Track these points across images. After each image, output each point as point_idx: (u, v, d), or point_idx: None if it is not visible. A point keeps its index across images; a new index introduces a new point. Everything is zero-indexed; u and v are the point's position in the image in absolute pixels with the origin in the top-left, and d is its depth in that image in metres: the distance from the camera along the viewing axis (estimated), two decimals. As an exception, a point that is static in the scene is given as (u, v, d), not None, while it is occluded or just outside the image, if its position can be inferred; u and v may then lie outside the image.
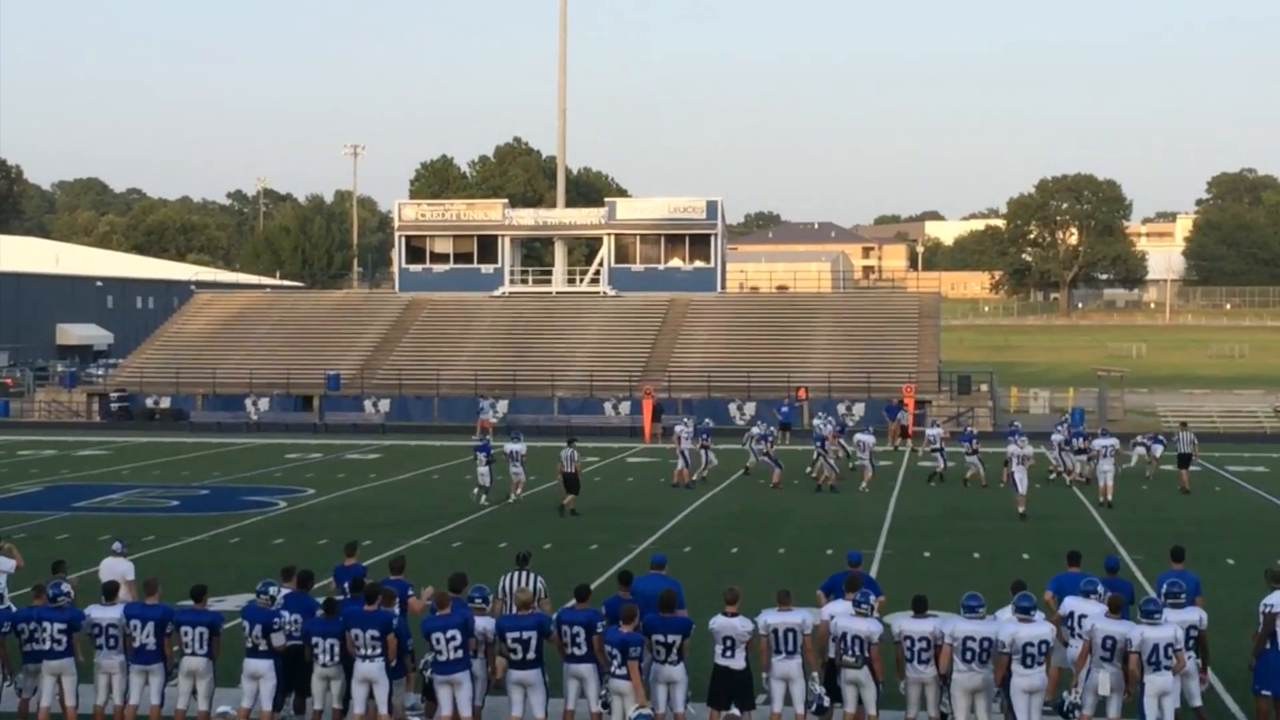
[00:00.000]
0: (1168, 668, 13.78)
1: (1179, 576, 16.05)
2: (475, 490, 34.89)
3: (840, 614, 14.64)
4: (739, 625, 14.64)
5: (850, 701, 14.51)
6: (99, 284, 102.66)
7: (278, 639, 14.59)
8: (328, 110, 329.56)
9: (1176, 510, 33.71)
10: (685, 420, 41.99)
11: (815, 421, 44.95)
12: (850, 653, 14.36)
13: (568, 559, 25.89)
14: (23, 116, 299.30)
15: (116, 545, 18.87)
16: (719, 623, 14.75)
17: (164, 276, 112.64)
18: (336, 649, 14.46)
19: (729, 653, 14.68)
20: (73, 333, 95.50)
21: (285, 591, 15.36)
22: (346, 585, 15.98)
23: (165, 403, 65.04)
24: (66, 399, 67.49)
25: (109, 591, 15.28)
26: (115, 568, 18.10)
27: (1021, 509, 32.08)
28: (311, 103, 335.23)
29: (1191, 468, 38.21)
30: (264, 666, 14.57)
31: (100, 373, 75.61)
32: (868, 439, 39.31)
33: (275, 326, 72.22)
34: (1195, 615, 14.59)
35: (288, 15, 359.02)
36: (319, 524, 31.36)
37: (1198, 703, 14.56)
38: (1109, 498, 34.18)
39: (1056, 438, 39.33)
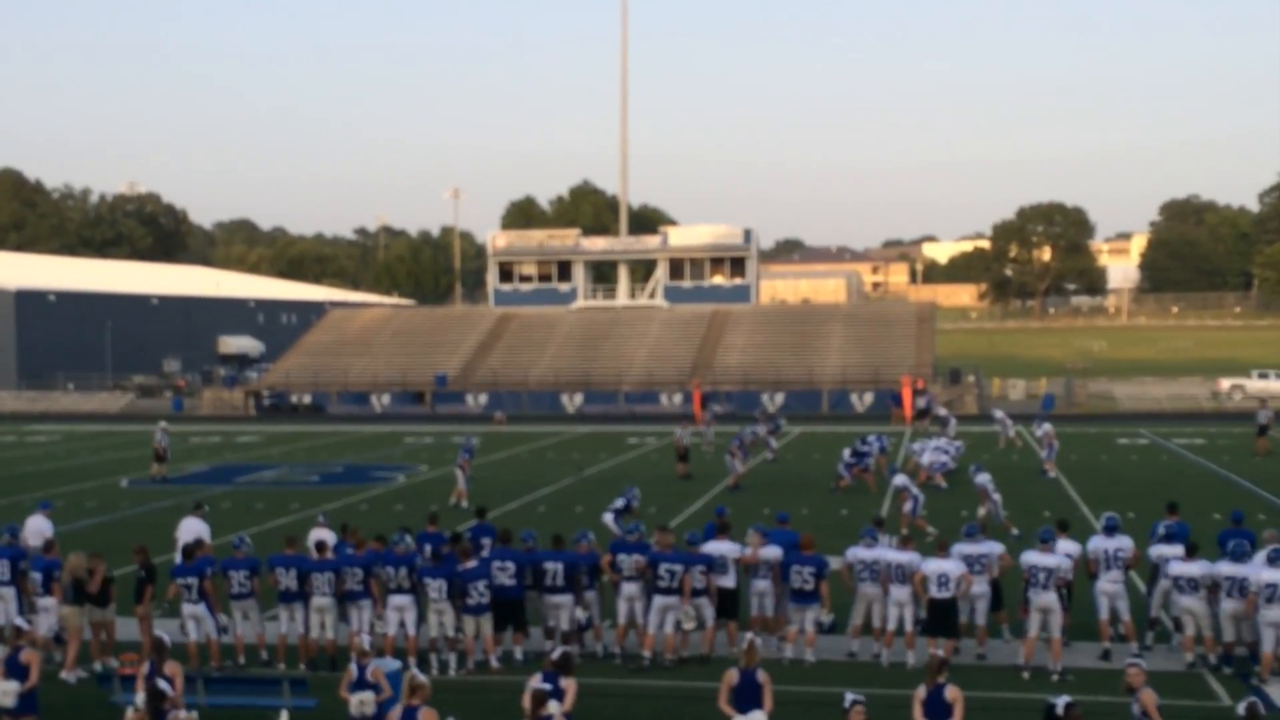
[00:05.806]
0: (1048, 588, 14.08)
1: (1179, 526, 15.99)
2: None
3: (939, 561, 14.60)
4: (727, 549, 15.26)
5: (894, 620, 14.62)
6: (251, 304, 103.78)
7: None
8: (433, 160, 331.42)
9: (1130, 474, 33.50)
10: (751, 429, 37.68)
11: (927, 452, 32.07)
12: (944, 588, 14.33)
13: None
14: (187, 168, 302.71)
15: (320, 518, 18.11)
16: (711, 547, 15.30)
17: (303, 298, 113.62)
18: (444, 589, 14.74)
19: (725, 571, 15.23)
20: (231, 343, 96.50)
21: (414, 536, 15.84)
22: (428, 547, 15.73)
23: (306, 399, 65.85)
24: (227, 397, 68.44)
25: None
26: (321, 532, 16.90)
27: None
28: (420, 154, 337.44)
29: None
30: (405, 600, 14.89)
31: (254, 375, 76.55)
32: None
33: (394, 336, 72.87)
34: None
35: (402, 88, 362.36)
36: (430, 494, 31.71)
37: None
38: None
39: None
